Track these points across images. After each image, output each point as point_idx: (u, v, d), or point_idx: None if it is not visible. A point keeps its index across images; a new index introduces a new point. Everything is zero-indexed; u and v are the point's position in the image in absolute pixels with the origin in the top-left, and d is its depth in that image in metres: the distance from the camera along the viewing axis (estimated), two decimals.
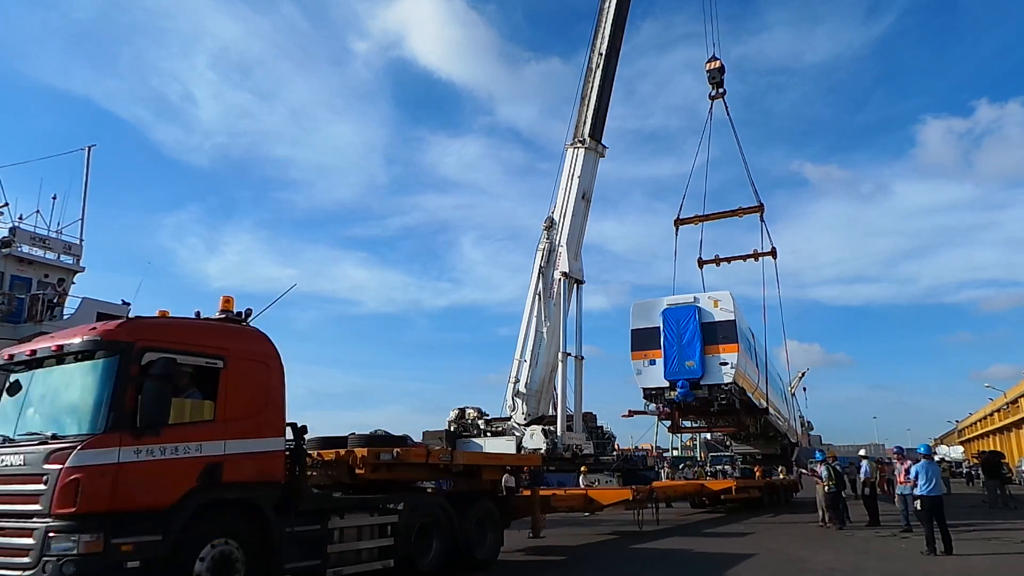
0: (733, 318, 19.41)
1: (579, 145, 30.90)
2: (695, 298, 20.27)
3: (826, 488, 16.39)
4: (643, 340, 20.37)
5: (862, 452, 18.66)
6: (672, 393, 19.54)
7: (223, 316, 8.53)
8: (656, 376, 19.95)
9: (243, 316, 8.68)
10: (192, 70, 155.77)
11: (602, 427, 39.07)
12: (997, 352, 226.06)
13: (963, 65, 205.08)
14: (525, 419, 29.72)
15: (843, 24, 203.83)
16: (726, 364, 19.07)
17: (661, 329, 19.95)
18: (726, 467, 46.34)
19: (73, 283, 24.82)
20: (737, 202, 27.19)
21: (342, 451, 9.78)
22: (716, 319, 19.49)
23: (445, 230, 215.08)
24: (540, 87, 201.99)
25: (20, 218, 24.25)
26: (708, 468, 49.11)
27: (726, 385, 19.14)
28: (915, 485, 12.48)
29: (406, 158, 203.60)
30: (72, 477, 6.19)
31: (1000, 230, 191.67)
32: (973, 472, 36.82)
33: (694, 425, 27.10)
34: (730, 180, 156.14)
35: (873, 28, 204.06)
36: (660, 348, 19.89)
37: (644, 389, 20.54)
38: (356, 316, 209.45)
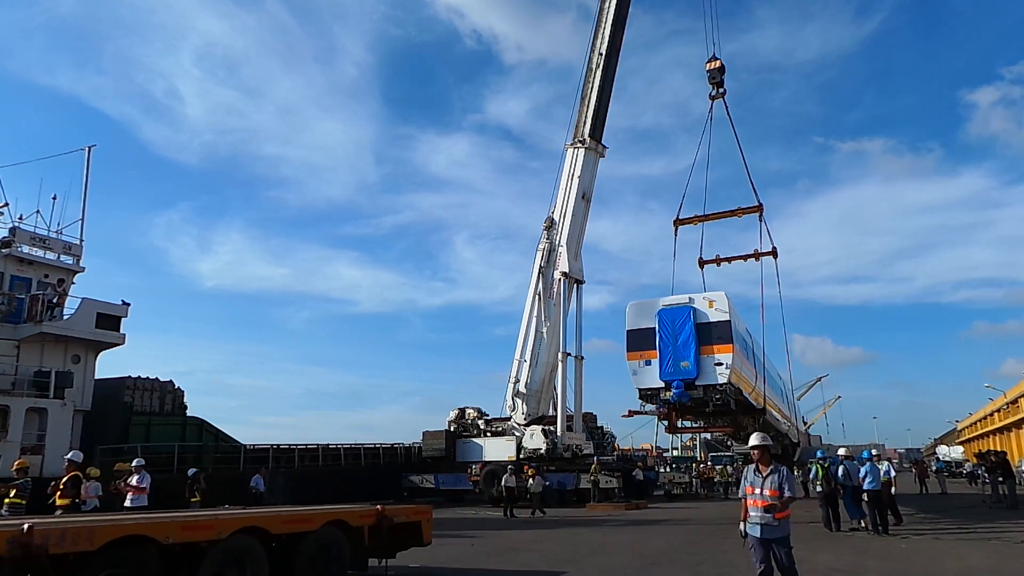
0: (728, 319, 19.45)
1: (579, 145, 30.99)
2: (690, 299, 20.29)
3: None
4: (639, 341, 20.42)
5: (842, 451, 18.02)
6: (667, 393, 19.59)
7: None
8: (652, 377, 20.01)
9: None
10: (177, 67, 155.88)
11: (602, 427, 39.18)
12: (1012, 347, 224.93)
13: (963, 55, 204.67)
14: (525, 419, 29.88)
15: (834, 21, 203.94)
16: (721, 364, 19.12)
17: (656, 330, 20.00)
18: (726, 467, 46.59)
19: (73, 283, 24.95)
20: (729, 201, 27.31)
21: None
22: (711, 320, 19.54)
23: (438, 229, 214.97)
24: (569, 37, 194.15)
25: (20, 218, 24.40)
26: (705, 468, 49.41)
27: (720, 385, 19.19)
28: (862, 482, 15.31)
29: (396, 156, 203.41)
30: None
31: (997, 228, 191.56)
32: (978, 472, 36.70)
33: (692, 425, 27.10)
34: (723, 179, 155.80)
35: (865, 25, 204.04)
36: (655, 349, 19.94)
37: (640, 390, 20.60)
38: (351, 316, 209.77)
